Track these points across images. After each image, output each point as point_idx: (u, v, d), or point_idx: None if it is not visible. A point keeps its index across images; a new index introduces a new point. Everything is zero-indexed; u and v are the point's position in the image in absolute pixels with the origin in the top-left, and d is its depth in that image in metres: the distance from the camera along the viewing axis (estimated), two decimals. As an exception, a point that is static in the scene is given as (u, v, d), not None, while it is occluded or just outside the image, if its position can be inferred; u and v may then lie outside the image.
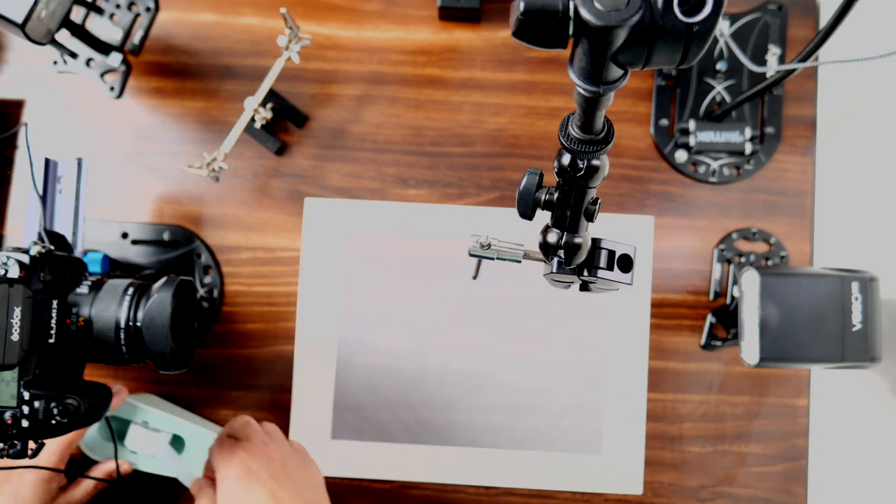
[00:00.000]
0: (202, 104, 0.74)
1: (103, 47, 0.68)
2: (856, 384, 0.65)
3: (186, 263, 0.71)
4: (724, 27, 0.74)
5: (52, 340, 0.49)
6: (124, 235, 0.71)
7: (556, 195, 0.39)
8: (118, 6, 0.68)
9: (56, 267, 0.51)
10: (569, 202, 0.38)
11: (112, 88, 0.70)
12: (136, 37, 0.68)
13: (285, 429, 0.70)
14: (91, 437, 0.67)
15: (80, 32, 0.66)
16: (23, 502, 0.59)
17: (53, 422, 0.50)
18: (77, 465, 0.69)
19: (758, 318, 0.57)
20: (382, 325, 0.71)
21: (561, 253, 0.41)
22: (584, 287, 0.46)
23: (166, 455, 0.65)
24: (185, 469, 0.65)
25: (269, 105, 0.70)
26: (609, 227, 0.71)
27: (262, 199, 0.72)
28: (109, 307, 0.51)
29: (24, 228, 0.64)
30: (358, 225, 0.71)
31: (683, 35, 0.25)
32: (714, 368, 0.71)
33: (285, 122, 0.73)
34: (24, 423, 0.50)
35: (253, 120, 0.70)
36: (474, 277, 0.51)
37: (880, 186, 0.64)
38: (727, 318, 0.70)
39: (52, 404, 0.50)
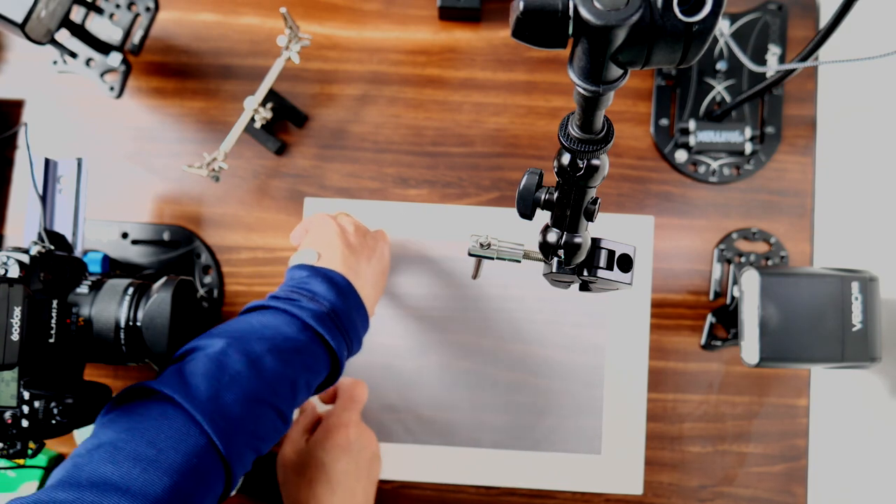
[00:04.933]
0: (202, 104, 0.74)
1: (103, 47, 0.68)
2: (856, 384, 0.65)
3: (186, 263, 0.71)
4: (724, 27, 0.74)
5: (51, 340, 0.49)
6: (124, 235, 0.71)
7: (555, 195, 0.39)
8: (118, 6, 0.68)
9: (56, 267, 0.51)
10: (569, 202, 0.38)
11: (112, 88, 0.70)
12: (136, 37, 0.68)
13: (285, 429, 0.70)
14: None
15: (79, 32, 0.66)
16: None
17: (53, 422, 0.50)
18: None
19: (758, 318, 0.57)
20: (382, 325, 0.71)
21: (561, 253, 0.41)
22: (584, 287, 0.46)
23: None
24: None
25: (269, 105, 0.70)
26: (609, 227, 0.71)
27: (262, 199, 0.72)
28: (109, 307, 0.51)
29: (24, 228, 0.64)
30: (358, 225, 0.71)
31: (683, 35, 0.25)
32: (714, 368, 0.71)
33: (285, 122, 0.73)
34: (24, 423, 0.50)
35: (253, 120, 0.70)
36: (474, 277, 0.51)
37: (880, 186, 0.64)
38: (727, 318, 0.70)
39: (52, 404, 0.50)
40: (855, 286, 0.57)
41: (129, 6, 0.68)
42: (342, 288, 0.55)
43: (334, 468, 0.59)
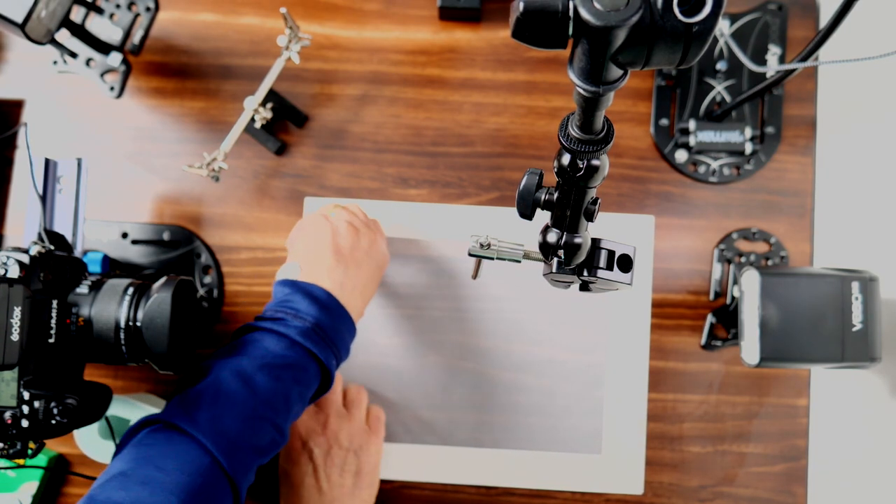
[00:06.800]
0: (202, 104, 0.74)
1: (103, 47, 0.68)
2: (856, 384, 0.65)
3: (186, 263, 0.71)
4: (724, 27, 0.74)
5: (51, 340, 0.49)
6: (124, 235, 0.71)
7: (555, 195, 0.39)
8: (118, 6, 0.68)
9: (56, 267, 0.51)
10: (568, 202, 0.38)
11: (112, 88, 0.70)
12: (136, 37, 0.68)
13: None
14: (91, 436, 0.66)
15: (80, 32, 0.66)
16: None
17: (53, 422, 0.50)
18: (66, 464, 0.69)
19: (758, 318, 0.57)
20: (382, 325, 0.71)
21: (561, 253, 0.41)
22: (584, 287, 0.46)
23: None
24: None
25: (269, 105, 0.70)
26: (609, 227, 0.71)
27: (262, 199, 0.72)
28: (109, 307, 0.51)
29: (24, 228, 0.64)
30: (358, 225, 0.71)
31: (683, 35, 0.25)
32: (714, 368, 0.71)
33: (285, 122, 0.73)
34: (24, 423, 0.50)
35: (253, 120, 0.70)
36: (474, 277, 0.51)
37: (880, 186, 0.64)
38: (727, 318, 0.70)
39: (52, 404, 0.50)
40: (855, 286, 0.57)
41: (129, 6, 0.68)
42: (324, 302, 0.56)
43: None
